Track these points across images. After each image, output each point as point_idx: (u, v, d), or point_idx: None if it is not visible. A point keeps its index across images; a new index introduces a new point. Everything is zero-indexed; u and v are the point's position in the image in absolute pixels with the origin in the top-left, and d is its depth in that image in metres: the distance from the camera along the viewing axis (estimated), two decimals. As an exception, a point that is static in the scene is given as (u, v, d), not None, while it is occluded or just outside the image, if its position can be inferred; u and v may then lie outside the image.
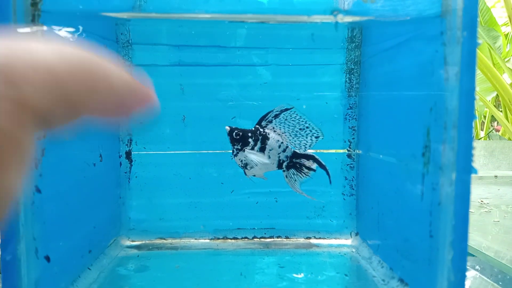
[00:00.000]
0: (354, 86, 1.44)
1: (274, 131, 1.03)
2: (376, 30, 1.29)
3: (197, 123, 1.45)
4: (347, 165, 1.47)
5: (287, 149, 1.04)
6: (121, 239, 1.41)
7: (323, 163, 1.07)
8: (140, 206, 1.45)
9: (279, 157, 1.04)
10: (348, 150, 1.46)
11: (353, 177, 1.46)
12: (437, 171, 0.84)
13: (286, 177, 1.08)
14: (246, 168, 1.02)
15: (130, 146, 1.44)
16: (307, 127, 1.02)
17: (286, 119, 1.01)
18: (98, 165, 1.19)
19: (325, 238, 1.46)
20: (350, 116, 1.45)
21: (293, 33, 1.43)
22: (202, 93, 1.45)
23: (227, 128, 1.02)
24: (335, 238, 1.46)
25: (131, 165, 1.44)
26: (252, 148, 1.02)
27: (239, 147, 1.04)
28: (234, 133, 1.04)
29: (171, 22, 1.37)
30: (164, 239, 1.45)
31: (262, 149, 1.01)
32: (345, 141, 1.46)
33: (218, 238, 1.46)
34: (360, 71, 1.42)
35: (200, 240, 1.46)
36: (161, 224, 1.46)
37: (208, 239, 1.46)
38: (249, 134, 1.03)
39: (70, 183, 1.02)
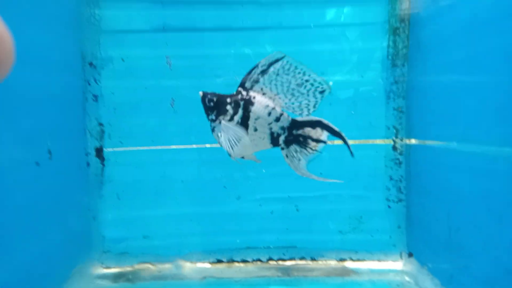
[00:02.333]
0: (401, 52, 1.06)
1: (264, 93, 0.68)
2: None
3: (190, 108, 1.08)
4: (393, 160, 1.09)
5: (281, 117, 0.69)
6: (90, 266, 1.05)
7: (336, 128, 0.71)
8: (117, 221, 1.10)
9: (271, 129, 0.70)
10: (393, 140, 1.08)
11: (401, 176, 1.08)
12: None
13: (287, 157, 0.73)
14: (229, 147, 0.69)
15: (101, 140, 1.08)
16: (306, 80, 0.67)
17: (277, 74, 0.66)
18: (44, 164, 0.83)
19: (365, 260, 1.08)
20: (395, 94, 1.07)
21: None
22: (195, 68, 1.09)
23: (201, 93, 0.70)
24: (378, 260, 1.08)
25: (104, 166, 1.09)
26: (232, 118, 0.69)
27: (214, 117, 0.71)
28: (207, 99, 0.70)
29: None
30: (149, 263, 1.09)
31: (245, 119, 0.68)
32: (388, 128, 1.09)
33: (222, 262, 1.10)
34: (409, 30, 1.04)
35: (197, 265, 1.10)
36: (146, 243, 1.10)
37: (208, 262, 1.10)
38: (228, 100, 0.69)
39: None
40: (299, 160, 0.74)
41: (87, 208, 1.06)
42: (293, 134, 0.72)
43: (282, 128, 0.71)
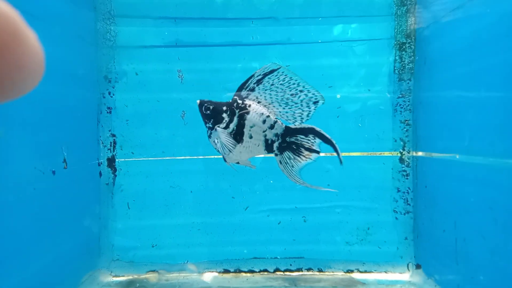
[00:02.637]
0: (407, 66, 1.08)
1: (259, 101, 0.72)
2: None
3: (200, 121, 1.11)
4: (400, 172, 1.10)
5: (276, 124, 0.72)
6: (99, 274, 1.07)
7: (328, 136, 0.73)
8: (127, 229, 1.12)
9: (265, 136, 0.73)
10: (400, 153, 1.10)
11: (409, 188, 1.09)
12: None
13: (280, 163, 0.75)
14: (224, 153, 0.73)
15: (113, 151, 1.11)
16: (300, 91, 0.70)
17: (272, 84, 0.70)
18: (60, 173, 0.86)
19: (373, 272, 1.08)
20: (401, 107, 1.09)
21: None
22: (206, 82, 1.12)
23: (198, 101, 0.74)
24: (386, 272, 1.08)
25: (115, 175, 1.11)
26: (227, 126, 0.72)
27: (211, 125, 0.74)
28: (203, 107, 0.74)
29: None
30: (157, 272, 1.10)
31: (240, 127, 0.72)
32: (395, 140, 1.10)
33: (229, 271, 1.11)
34: (415, 46, 1.07)
35: (205, 274, 1.10)
36: (154, 252, 1.12)
37: (216, 271, 1.11)
38: (224, 108, 0.73)
39: (7, 198, 0.69)
40: (292, 166, 0.76)
41: (98, 217, 1.09)
42: (286, 141, 0.75)
43: (276, 135, 0.73)
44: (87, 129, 1.04)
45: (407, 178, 1.09)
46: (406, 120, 1.09)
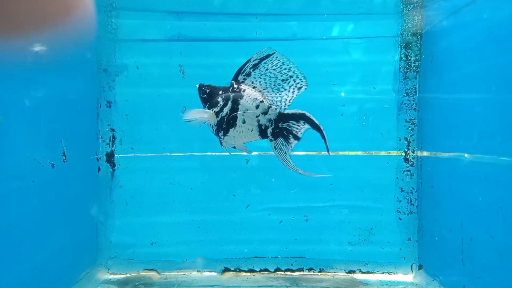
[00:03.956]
0: (413, 65, 1.07)
1: (254, 87, 0.72)
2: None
3: (202, 116, 1.09)
4: (404, 172, 1.08)
5: (269, 110, 0.72)
6: (97, 272, 1.04)
7: (317, 122, 0.73)
8: (125, 226, 1.10)
9: (258, 121, 0.73)
10: (405, 152, 1.08)
11: (413, 188, 1.08)
12: None
13: (275, 148, 0.76)
14: (220, 136, 0.72)
15: (112, 146, 1.09)
16: (290, 76, 0.71)
17: (266, 69, 0.71)
18: (59, 167, 0.84)
19: (375, 272, 1.07)
20: (407, 106, 1.08)
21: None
22: (208, 77, 1.09)
23: (197, 85, 0.77)
24: (388, 273, 1.07)
25: (114, 171, 1.09)
26: (221, 110, 0.73)
27: (207, 109, 0.76)
28: (201, 91, 0.76)
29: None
30: (156, 271, 1.08)
31: (234, 111, 0.71)
32: (400, 140, 1.09)
33: (229, 270, 1.09)
34: (421, 44, 1.05)
35: (204, 273, 1.09)
36: (153, 250, 1.10)
37: (215, 272, 1.09)
38: (220, 92, 0.74)
39: (6, 189, 0.67)
40: (285, 153, 0.76)
41: (96, 213, 1.06)
42: (279, 127, 0.74)
43: (270, 120, 0.73)
44: (86, 123, 1.01)
45: (411, 178, 1.08)
46: (411, 119, 1.08)
